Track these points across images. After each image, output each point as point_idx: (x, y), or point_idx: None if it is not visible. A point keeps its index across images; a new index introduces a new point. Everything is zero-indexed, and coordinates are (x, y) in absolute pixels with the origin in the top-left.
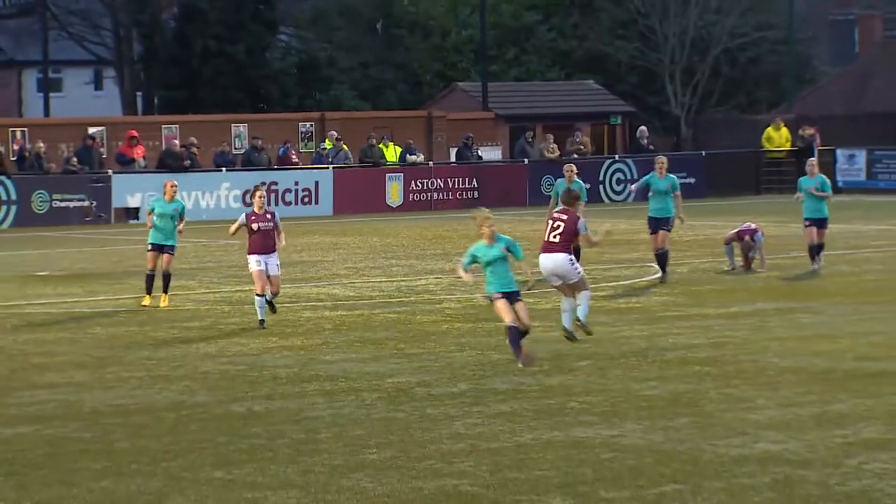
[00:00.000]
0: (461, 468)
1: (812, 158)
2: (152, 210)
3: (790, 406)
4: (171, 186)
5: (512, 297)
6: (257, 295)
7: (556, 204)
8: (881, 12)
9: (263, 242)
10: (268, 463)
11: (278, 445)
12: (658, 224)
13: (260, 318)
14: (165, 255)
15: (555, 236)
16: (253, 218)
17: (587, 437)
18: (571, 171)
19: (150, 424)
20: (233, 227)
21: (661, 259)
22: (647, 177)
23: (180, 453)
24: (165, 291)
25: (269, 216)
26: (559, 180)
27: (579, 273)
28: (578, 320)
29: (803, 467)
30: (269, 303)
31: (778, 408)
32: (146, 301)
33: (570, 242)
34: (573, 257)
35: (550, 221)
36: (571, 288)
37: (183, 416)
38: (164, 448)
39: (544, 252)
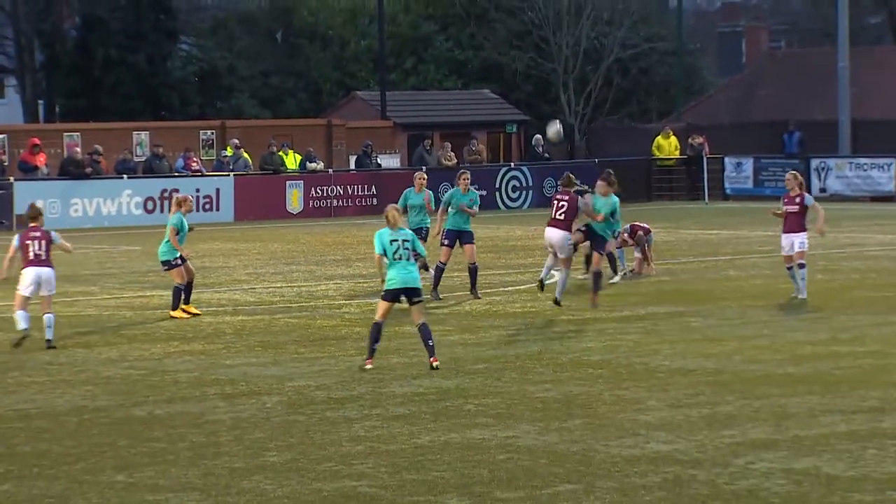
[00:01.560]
0: (360, 470)
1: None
2: (180, 229)
3: (680, 407)
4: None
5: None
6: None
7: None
8: (767, 24)
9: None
10: (169, 466)
11: (179, 449)
12: (462, 237)
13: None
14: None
15: (560, 214)
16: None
17: (483, 438)
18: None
19: (52, 429)
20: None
21: (473, 273)
22: (450, 192)
23: (82, 457)
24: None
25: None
26: (452, 189)
27: (569, 253)
28: (556, 299)
29: (693, 467)
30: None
31: (668, 409)
32: (192, 309)
33: (572, 220)
34: (570, 236)
35: (555, 202)
36: (559, 260)
37: (84, 421)
38: (66, 452)
39: (550, 226)
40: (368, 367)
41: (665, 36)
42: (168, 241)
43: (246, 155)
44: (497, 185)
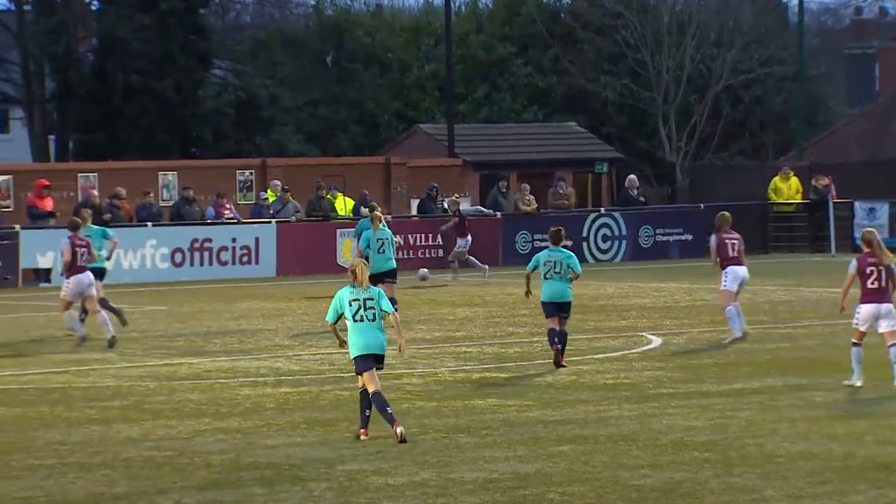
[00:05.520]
0: None
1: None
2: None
3: (802, 498)
4: None
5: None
6: None
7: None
8: None
9: None
10: None
11: None
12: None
13: None
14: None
15: None
16: None
17: None
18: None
19: None
20: None
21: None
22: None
23: None
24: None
25: None
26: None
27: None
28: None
29: None
30: None
31: (788, 500)
32: None
33: None
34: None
35: None
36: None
37: None
38: None
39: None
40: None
41: (784, 59)
42: None
43: (294, 199)
44: (585, 234)
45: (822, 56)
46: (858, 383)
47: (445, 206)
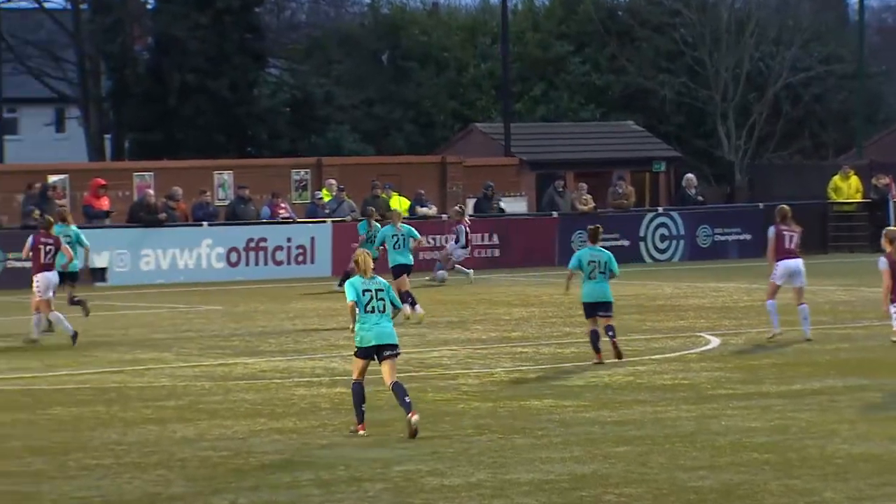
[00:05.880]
0: None
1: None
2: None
3: (863, 500)
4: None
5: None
6: None
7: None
8: None
9: None
10: None
11: None
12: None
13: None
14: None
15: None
16: None
17: None
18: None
19: None
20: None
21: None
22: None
23: None
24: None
25: None
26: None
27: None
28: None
29: None
30: None
31: (849, 502)
32: None
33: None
34: None
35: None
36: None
37: None
38: None
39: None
40: (361, 432)
41: (844, 57)
42: None
43: (349, 199)
44: (642, 234)
45: (882, 54)
46: None
47: (450, 213)
